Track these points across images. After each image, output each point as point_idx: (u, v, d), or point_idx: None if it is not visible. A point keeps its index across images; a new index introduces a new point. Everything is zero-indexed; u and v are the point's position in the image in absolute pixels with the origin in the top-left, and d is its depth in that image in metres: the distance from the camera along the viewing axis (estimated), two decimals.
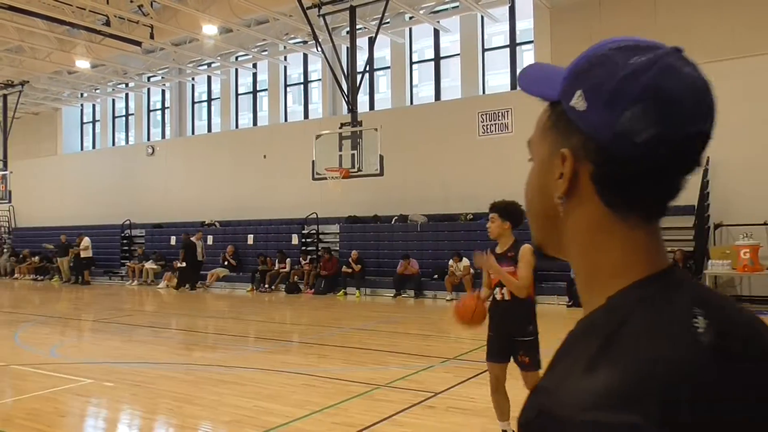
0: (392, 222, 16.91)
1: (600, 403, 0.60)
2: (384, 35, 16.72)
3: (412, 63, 18.30)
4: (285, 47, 18.73)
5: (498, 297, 4.39)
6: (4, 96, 22.66)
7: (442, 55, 17.72)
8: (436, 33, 17.47)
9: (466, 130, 16.12)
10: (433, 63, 17.87)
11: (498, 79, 17.29)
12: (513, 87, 16.24)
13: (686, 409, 0.60)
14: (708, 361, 0.63)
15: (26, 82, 21.69)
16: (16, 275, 23.49)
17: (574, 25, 14.87)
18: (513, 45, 16.45)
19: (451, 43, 17.80)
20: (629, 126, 0.66)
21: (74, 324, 12.81)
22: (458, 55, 17.22)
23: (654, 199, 0.70)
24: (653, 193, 0.70)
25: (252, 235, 18.93)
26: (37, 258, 23.13)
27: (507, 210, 4.39)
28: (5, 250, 25.67)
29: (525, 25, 16.39)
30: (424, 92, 18.73)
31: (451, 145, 16.26)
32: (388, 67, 18.60)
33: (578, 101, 0.70)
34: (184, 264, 18.46)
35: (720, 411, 0.61)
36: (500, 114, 15.67)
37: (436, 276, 15.29)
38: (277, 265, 17.51)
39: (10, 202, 22.85)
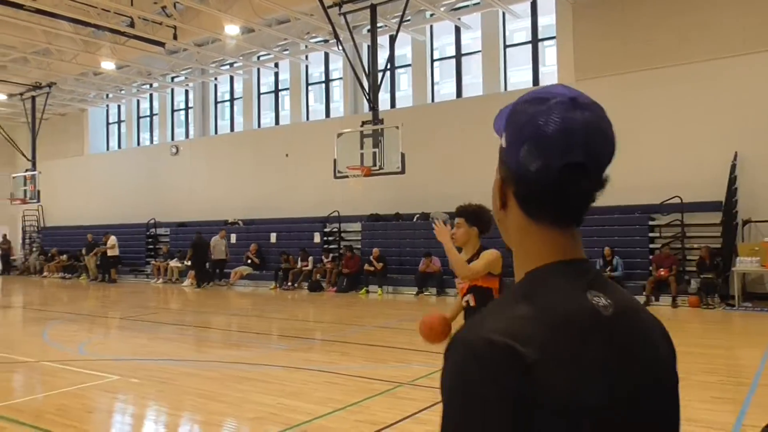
0: (414, 220, 16.90)
1: (497, 331, 0.83)
2: (405, 33, 16.71)
3: (433, 60, 18.26)
4: (306, 46, 18.82)
5: (464, 304, 4.05)
6: (33, 98, 23.12)
7: (463, 52, 17.65)
8: (457, 30, 17.40)
9: (489, 128, 15.84)
10: (454, 60, 17.80)
11: (520, 76, 17.17)
12: (535, 83, 16.11)
13: (566, 355, 0.83)
14: (603, 328, 0.88)
15: (53, 83, 22.10)
16: (44, 273, 23.99)
17: (597, 20, 14.71)
18: (535, 41, 16.31)
19: (472, 40, 17.73)
20: (524, 160, 0.91)
21: (101, 321, 13.03)
22: (480, 52, 17.13)
23: (556, 210, 0.93)
24: (553, 206, 0.93)
25: (275, 234, 19.06)
26: (65, 256, 23.59)
27: (475, 214, 4.03)
28: (34, 249, 26.22)
29: (547, 20, 16.24)
30: (446, 89, 18.68)
31: (473, 142, 16.18)
32: (409, 65, 18.58)
33: (503, 140, 0.97)
34: (189, 263, 18.81)
35: (597, 370, 0.85)
36: None
37: None
38: (299, 263, 17.62)
39: (38, 201, 23.30)
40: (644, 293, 12.63)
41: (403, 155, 13.47)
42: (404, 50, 18.48)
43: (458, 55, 17.67)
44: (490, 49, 16.80)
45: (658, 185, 13.49)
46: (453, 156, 16.53)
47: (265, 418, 5.58)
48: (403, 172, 13.53)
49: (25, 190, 22.73)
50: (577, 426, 0.82)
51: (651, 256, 13.42)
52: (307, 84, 20.69)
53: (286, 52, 19.56)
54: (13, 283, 22.69)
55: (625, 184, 14.02)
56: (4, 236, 27.20)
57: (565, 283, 0.91)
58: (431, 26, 17.81)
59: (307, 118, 20.56)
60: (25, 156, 23.71)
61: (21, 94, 22.98)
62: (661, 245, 13.42)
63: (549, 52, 16.72)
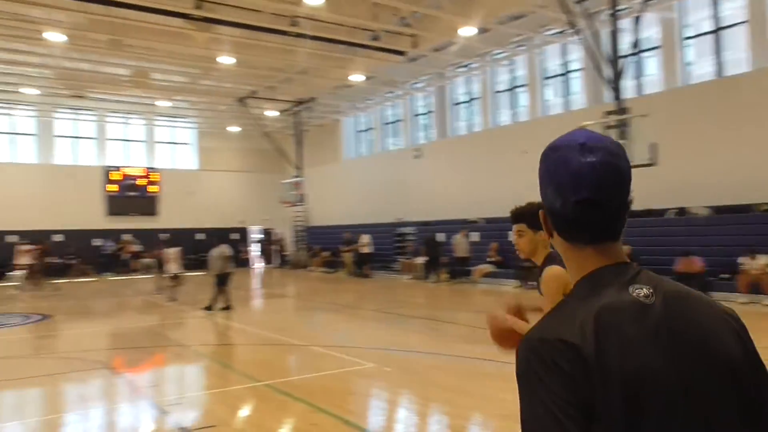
0: (664, 215, 15.49)
1: (549, 329, 1.04)
2: (650, 12, 15.39)
3: (684, 39, 16.53)
4: (542, 40, 18.40)
5: None
6: (296, 112, 26.30)
7: (723, 24, 15.67)
8: (715, 1, 15.50)
9: (760, 108, 14.01)
10: (712, 36, 15.89)
11: None
12: None
13: (613, 338, 0.99)
14: (645, 314, 1.03)
15: (313, 98, 24.84)
16: (310, 267, 27.13)
17: None
18: None
19: (733, 10, 15.64)
20: (549, 198, 1.15)
21: (357, 313, 14.28)
22: (746, 22, 15.03)
23: (582, 235, 1.14)
24: (579, 233, 1.14)
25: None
26: (327, 253, 26.41)
27: (536, 215, 2.84)
28: (302, 246, 29.78)
29: None
30: (701, 70, 16.74)
31: (736, 125, 14.31)
32: (657, 47, 17.07)
33: (539, 181, 1.18)
34: (423, 259, 20.27)
35: (644, 349, 1.00)
36: None
37: (725, 275, 13.58)
38: None
39: (305, 204, 26.44)
40: None
41: (654, 145, 12.45)
42: (651, 31, 17.02)
43: (717, 29, 15.72)
44: (758, 16, 14.65)
45: None
46: (712, 142, 14.77)
47: (511, 416, 5.61)
48: (654, 163, 12.49)
49: (292, 195, 25.95)
50: (633, 398, 0.96)
51: None
52: (544, 78, 20.21)
53: (522, 48, 19.34)
54: (286, 276, 26.03)
55: None
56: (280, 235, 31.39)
57: (607, 282, 1.09)
58: (681, 1, 16.14)
59: (546, 113, 20.09)
60: (291, 165, 27.05)
61: (288, 109, 26.28)
62: None
63: None
